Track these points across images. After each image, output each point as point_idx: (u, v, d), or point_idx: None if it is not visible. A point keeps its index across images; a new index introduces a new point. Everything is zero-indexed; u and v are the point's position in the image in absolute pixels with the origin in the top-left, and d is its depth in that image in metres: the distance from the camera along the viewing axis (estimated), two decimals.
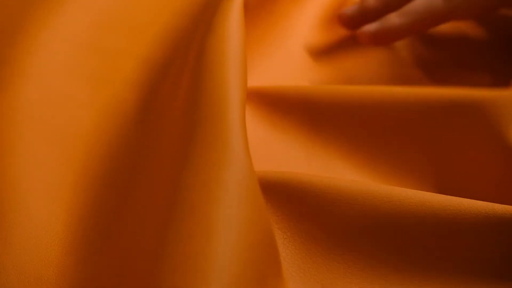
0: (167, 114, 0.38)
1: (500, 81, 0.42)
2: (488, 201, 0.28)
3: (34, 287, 0.31)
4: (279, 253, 0.28)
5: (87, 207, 0.34)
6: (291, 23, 0.47)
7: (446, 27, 0.46)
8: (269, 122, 0.39)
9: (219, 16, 0.37)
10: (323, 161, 0.36)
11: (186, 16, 0.44)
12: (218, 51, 0.35)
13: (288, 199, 0.32)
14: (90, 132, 0.37)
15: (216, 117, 0.31)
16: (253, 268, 0.26)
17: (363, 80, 0.44)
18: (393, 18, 0.42)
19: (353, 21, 0.46)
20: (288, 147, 0.37)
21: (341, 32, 0.47)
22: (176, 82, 0.40)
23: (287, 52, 0.45)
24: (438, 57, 0.45)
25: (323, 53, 0.46)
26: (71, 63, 0.40)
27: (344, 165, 0.35)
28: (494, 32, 0.45)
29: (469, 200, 0.29)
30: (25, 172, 0.34)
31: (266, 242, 0.27)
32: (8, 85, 0.37)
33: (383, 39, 0.42)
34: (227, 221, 0.26)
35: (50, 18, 0.42)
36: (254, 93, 0.39)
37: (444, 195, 0.29)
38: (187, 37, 0.42)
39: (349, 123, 0.37)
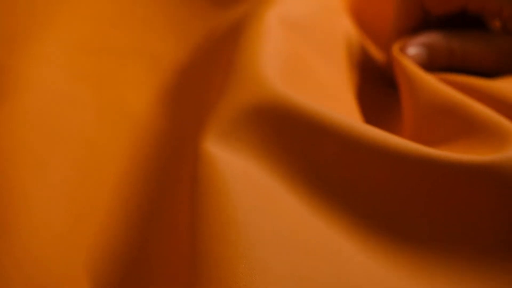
0: (174, 115, 0.38)
1: None
2: None
3: (35, 285, 0.30)
4: None
5: (90, 208, 0.34)
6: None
7: None
8: None
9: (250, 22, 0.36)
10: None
11: (193, 15, 0.43)
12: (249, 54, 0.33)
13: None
14: (94, 133, 0.37)
15: None
16: None
17: None
18: None
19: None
20: None
21: None
22: (184, 81, 0.40)
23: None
24: None
25: None
26: (73, 66, 0.40)
27: None
28: None
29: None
30: (27, 175, 0.34)
31: None
32: (9, 93, 0.37)
33: None
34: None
35: (49, 23, 0.42)
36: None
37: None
38: (194, 35, 0.42)
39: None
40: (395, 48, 0.40)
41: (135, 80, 0.40)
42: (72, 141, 0.36)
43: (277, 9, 0.37)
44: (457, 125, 0.33)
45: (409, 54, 0.39)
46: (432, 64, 0.40)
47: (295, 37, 0.37)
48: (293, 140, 0.30)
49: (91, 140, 0.37)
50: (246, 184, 0.28)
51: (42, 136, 0.36)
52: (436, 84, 0.35)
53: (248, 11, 0.38)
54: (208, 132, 0.30)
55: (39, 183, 0.34)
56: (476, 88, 0.36)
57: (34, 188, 0.34)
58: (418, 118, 0.35)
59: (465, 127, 0.32)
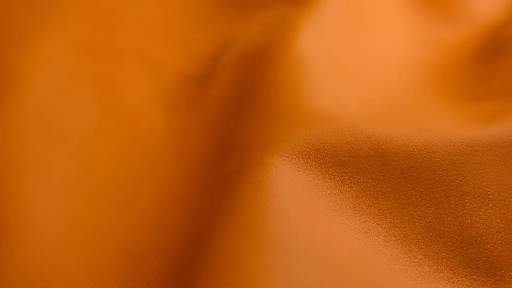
0: (174, 118, 0.38)
1: None
2: None
3: (35, 286, 0.30)
4: None
5: (90, 207, 0.34)
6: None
7: None
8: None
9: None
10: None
11: (196, 17, 0.43)
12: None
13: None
14: (95, 132, 0.37)
15: None
16: None
17: None
18: None
19: None
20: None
21: None
22: (187, 87, 0.39)
23: None
24: None
25: None
26: (73, 66, 0.40)
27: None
28: None
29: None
30: (26, 175, 0.34)
31: None
32: (9, 93, 0.37)
33: None
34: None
35: (49, 24, 0.42)
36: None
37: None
38: (199, 45, 0.41)
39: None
40: None
41: (135, 81, 0.40)
42: (72, 141, 0.36)
43: (306, 29, 0.37)
44: None
45: None
46: None
47: (329, 55, 0.37)
48: (353, 166, 0.31)
49: (91, 140, 0.37)
50: (296, 198, 0.29)
51: (42, 136, 0.36)
52: None
53: (270, 33, 0.38)
54: (272, 150, 0.30)
55: (39, 183, 0.34)
56: None
57: (34, 188, 0.34)
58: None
59: None
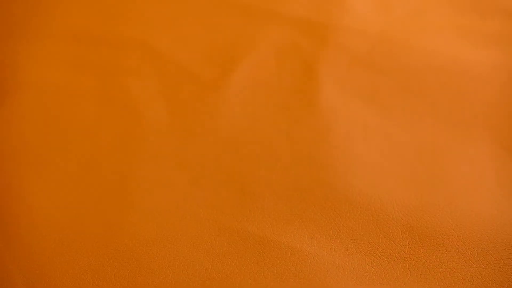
0: (178, 112, 0.38)
1: None
2: None
3: (37, 286, 0.31)
4: None
5: (92, 204, 0.34)
6: None
7: None
8: None
9: None
10: None
11: (201, 15, 0.43)
12: None
13: None
14: (95, 126, 0.37)
15: None
16: None
17: None
18: None
19: None
20: None
21: None
22: (188, 81, 0.40)
23: None
24: None
25: None
26: (72, 58, 0.40)
27: None
28: None
29: None
30: (28, 173, 0.35)
31: None
32: (9, 90, 0.38)
33: None
34: None
35: (47, 16, 0.42)
36: None
37: None
38: (199, 42, 0.42)
39: None
40: None
41: (138, 71, 0.40)
42: (73, 135, 0.37)
43: (328, 81, 0.39)
44: None
45: None
46: None
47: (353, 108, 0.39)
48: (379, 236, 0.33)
49: (93, 134, 0.37)
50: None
51: (43, 133, 0.37)
52: None
53: (286, 66, 0.39)
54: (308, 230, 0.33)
55: (40, 180, 0.35)
56: None
57: (35, 187, 0.34)
58: None
59: None
